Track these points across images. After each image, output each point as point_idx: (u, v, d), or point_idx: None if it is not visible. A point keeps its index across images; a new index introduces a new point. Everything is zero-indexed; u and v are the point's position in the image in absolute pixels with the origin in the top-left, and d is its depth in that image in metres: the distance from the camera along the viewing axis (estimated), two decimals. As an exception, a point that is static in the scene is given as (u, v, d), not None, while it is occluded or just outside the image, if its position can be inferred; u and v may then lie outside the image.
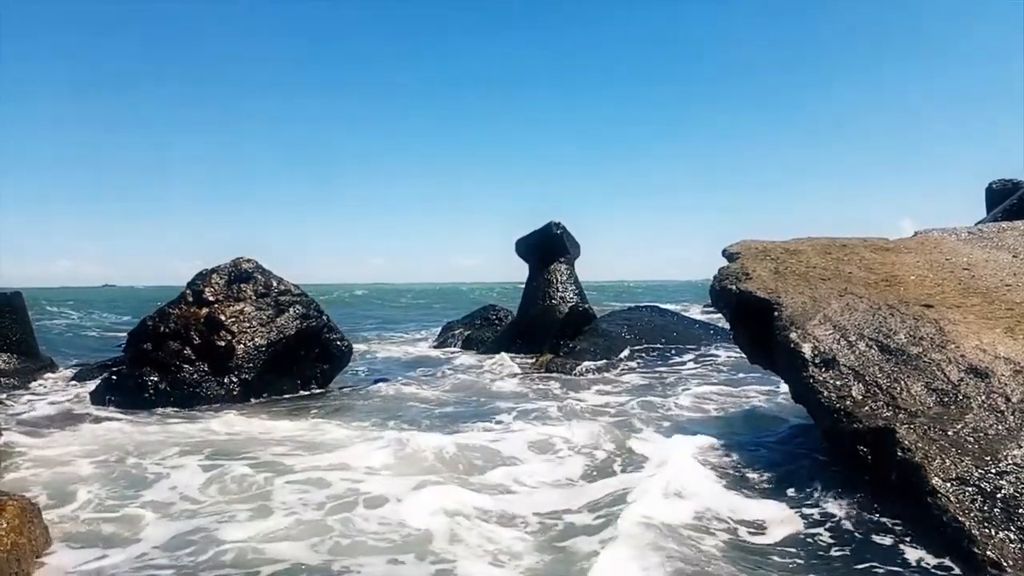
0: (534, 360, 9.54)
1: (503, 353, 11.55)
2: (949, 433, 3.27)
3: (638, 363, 8.87)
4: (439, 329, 16.82)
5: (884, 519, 3.30)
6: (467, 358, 11.83)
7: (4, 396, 7.78)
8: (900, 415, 3.49)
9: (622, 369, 8.65)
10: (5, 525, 3.20)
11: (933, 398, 3.55)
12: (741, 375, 7.93)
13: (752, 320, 4.57)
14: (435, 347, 14.67)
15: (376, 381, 8.79)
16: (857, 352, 3.95)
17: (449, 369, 10.27)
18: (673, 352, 9.17)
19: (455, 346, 14.19)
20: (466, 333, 14.87)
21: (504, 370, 9.76)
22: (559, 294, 11.73)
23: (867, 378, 3.77)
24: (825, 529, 3.33)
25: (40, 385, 8.80)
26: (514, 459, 4.67)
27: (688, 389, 7.16)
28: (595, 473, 4.31)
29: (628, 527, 3.23)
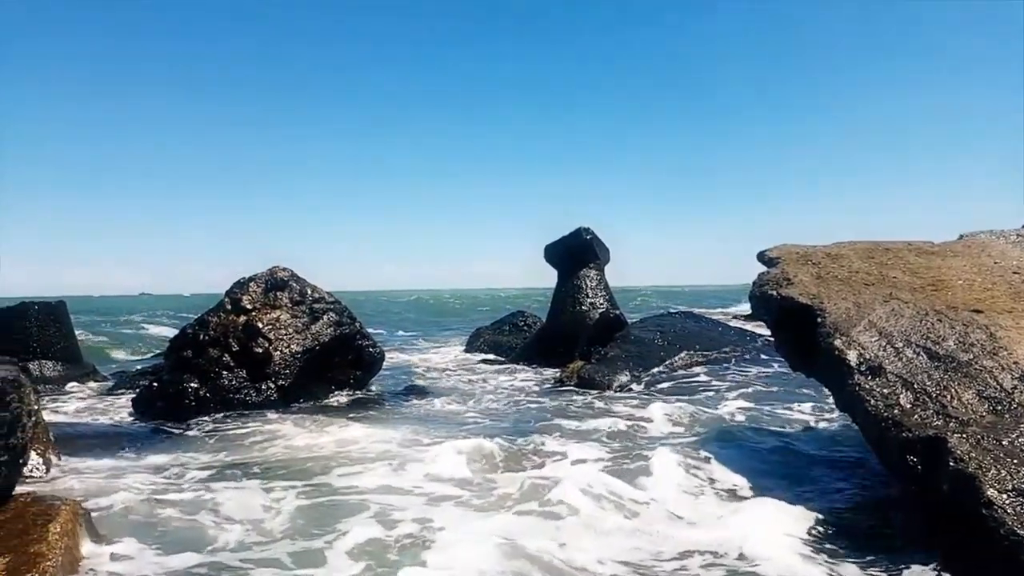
0: (565, 368, 9.46)
1: (533, 362, 11.56)
2: (1004, 442, 3.20)
3: (672, 371, 8.72)
4: (468, 335, 16.88)
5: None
6: (496, 365, 11.84)
7: (49, 403, 7.94)
8: (951, 424, 3.42)
9: (656, 378, 8.48)
10: (59, 529, 3.26)
11: (986, 406, 3.48)
12: (777, 384, 7.76)
13: (794, 327, 4.51)
14: (464, 353, 14.72)
15: (408, 389, 8.81)
16: (904, 359, 3.88)
17: (479, 377, 10.26)
18: (707, 359, 9.05)
19: (484, 352, 14.23)
20: (495, 339, 14.91)
21: (535, 379, 9.73)
22: (589, 300, 11.66)
23: (916, 386, 3.71)
24: None
25: (83, 392, 8.99)
26: (572, 490, 4.32)
27: (724, 403, 6.98)
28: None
29: None
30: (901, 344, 3.96)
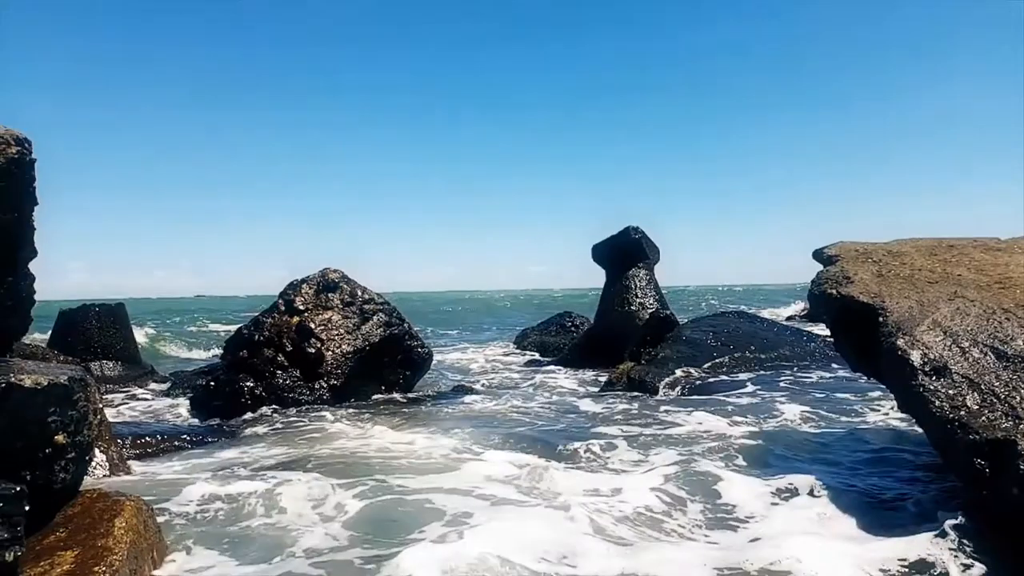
0: (614, 369, 9.34)
1: (581, 363, 11.50)
2: (1080, 446, 3.07)
3: (727, 373, 8.46)
4: (516, 336, 16.92)
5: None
6: (543, 366, 11.83)
7: (110, 402, 8.20)
8: (1022, 426, 3.29)
9: (709, 381, 8.25)
10: (123, 524, 3.34)
11: (1059, 408, 3.33)
12: (840, 388, 7.46)
13: (855, 326, 4.38)
14: (511, 354, 14.77)
15: (456, 389, 8.86)
16: (971, 359, 3.75)
17: (526, 378, 10.25)
18: (763, 361, 8.80)
19: (531, 353, 14.25)
20: (542, 340, 14.93)
21: (583, 380, 9.67)
22: (638, 300, 11.57)
23: (983, 387, 3.57)
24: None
25: (142, 391, 9.28)
26: (639, 503, 4.13)
27: (786, 407, 6.62)
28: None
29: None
30: (967, 344, 3.83)
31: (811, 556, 3.28)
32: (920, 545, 3.36)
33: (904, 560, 3.27)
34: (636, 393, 8.09)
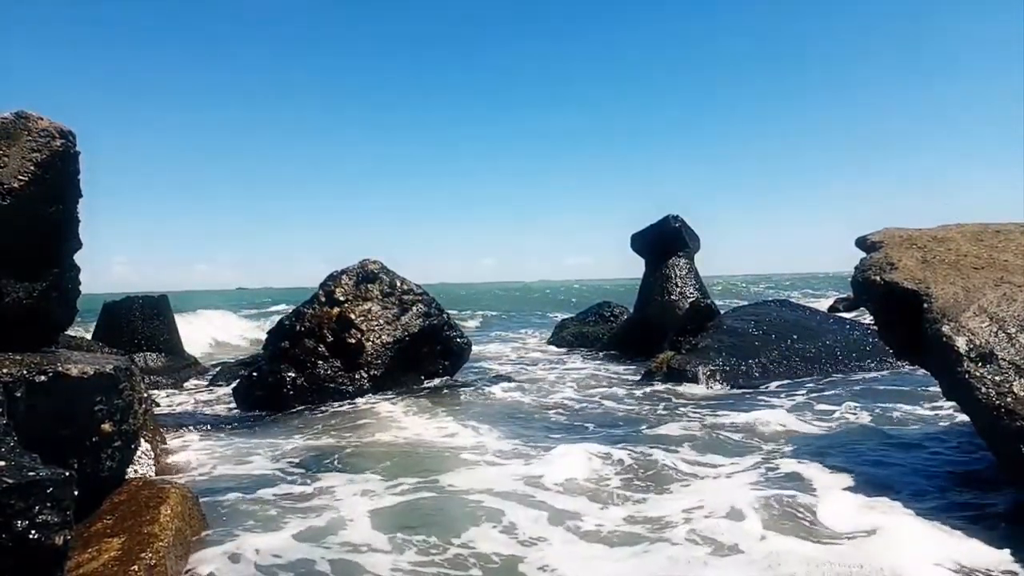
0: (654, 359, 9.24)
1: (620, 352, 11.45)
2: None
3: (771, 364, 8.28)
4: (555, 325, 16.89)
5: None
6: (582, 356, 11.80)
7: (156, 393, 8.42)
8: (1072, 414, 3.20)
9: (754, 371, 8.10)
10: (169, 511, 3.43)
11: (1112, 396, 3.22)
12: (890, 380, 7.26)
13: (898, 313, 4.29)
14: (551, 344, 14.76)
15: (495, 379, 8.84)
16: (1018, 345, 3.64)
17: (565, 368, 10.20)
18: (807, 351, 8.53)
19: (570, 343, 14.22)
20: (580, 330, 14.86)
21: (623, 371, 9.60)
22: (678, 290, 11.45)
23: (1031, 373, 3.47)
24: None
25: (186, 382, 9.50)
26: (716, 512, 3.74)
27: (838, 399, 6.41)
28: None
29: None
30: (1014, 329, 3.72)
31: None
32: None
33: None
34: (677, 384, 7.94)
